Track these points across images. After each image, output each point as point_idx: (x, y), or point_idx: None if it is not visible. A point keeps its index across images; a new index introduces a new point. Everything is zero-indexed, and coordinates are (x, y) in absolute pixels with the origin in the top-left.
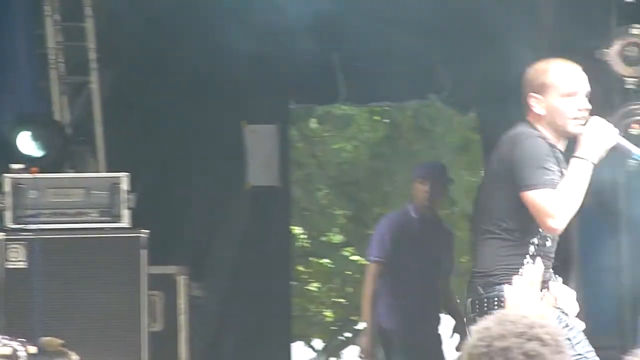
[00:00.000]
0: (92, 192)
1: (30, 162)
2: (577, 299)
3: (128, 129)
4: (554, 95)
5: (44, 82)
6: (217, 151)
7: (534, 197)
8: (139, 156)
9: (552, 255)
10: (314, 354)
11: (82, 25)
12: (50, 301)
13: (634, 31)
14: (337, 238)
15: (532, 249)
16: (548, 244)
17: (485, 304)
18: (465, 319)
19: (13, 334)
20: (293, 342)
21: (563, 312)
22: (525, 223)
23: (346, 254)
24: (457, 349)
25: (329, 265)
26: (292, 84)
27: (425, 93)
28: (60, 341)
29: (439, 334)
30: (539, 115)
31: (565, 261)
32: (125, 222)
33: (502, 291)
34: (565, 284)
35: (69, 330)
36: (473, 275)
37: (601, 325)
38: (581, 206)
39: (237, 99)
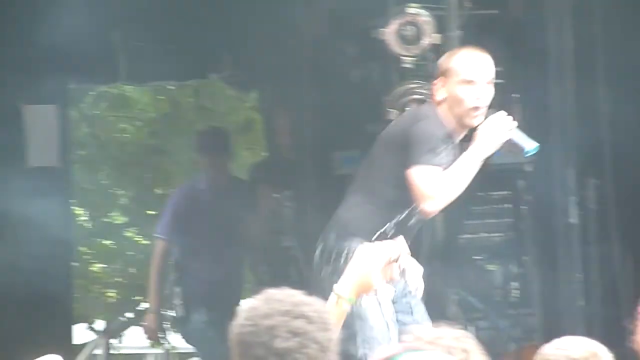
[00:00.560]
0: None
1: None
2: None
3: None
4: (454, 82)
5: None
6: None
7: (417, 175)
8: None
9: (413, 233)
10: (96, 336)
11: None
12: None
13: (411, 10)
14: (120, 219)
15: (395, 220)
16: (412, 221)
17: (334, 255)
18: (313, 269)
19: None
20: (75, 323)
21: (407, 283)
22: (400, 196)
23: (129, 234)
24: None
25: (112, 247)
26: (72, 64)
27: (206, 73)
28: None
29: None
30: (440, 99)
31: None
32: None
33: (353, 246)
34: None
35: None
36: (330, 223)
37: None
38: None
39: (15, 80)
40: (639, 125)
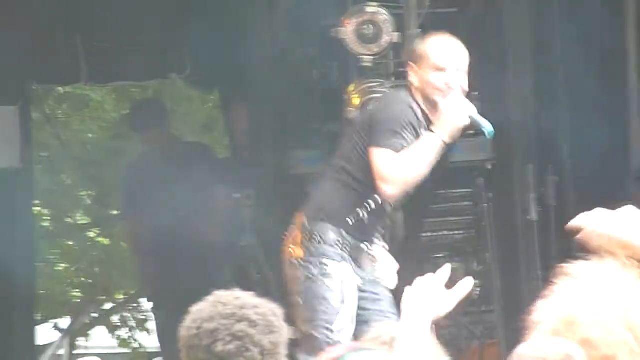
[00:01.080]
0: None
1: None
2: None
3: None
4: (425, 68)
5: None
6: None
7: (376, 156)
8: None
9: (387, 222)
10: (59, 336)
11: None
12: None
13: (369, 9)
14: (83, 219)
15: (369, 205)
16: (388, 208)
17: (307, 237)
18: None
19: None
20: (39, 324)
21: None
22: (372, 180)
23: (92, 235)
24: None
25: (75, 247)
26: (34, 65)
27: (167, 73)
28: None
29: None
30: (414, 84)
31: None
32: None
33: (323, 231)
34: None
35: None
36: (304, 206)
37: None
38: None
39: None
40: (598, 122)
